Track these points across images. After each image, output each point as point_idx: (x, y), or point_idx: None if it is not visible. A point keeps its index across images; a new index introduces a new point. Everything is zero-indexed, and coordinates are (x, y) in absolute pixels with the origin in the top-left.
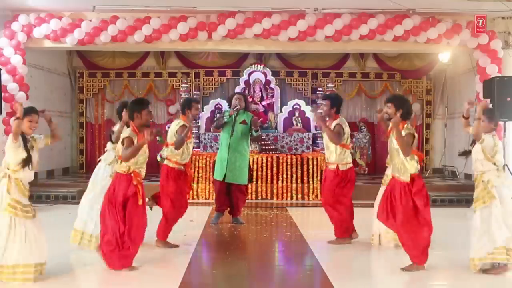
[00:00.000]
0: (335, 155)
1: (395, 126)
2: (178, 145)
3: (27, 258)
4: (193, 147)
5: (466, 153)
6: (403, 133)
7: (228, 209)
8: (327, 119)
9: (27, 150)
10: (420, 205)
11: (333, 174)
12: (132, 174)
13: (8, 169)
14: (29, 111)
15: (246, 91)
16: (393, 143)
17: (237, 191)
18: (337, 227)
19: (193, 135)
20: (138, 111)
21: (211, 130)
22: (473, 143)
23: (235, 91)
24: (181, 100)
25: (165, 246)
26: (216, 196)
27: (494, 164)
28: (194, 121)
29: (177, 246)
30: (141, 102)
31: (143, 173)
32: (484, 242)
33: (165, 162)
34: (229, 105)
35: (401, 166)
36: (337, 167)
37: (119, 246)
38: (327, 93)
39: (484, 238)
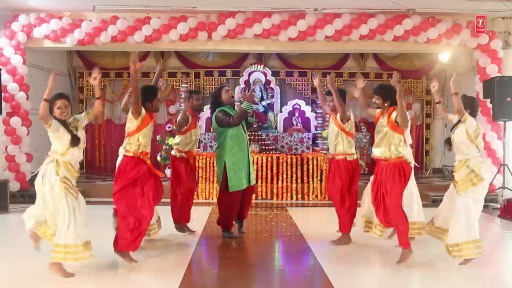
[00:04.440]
0: (343, 145)
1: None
2: (177, 128)
3: (76, 238)
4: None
5: (449, 141)
6: (394, 114)
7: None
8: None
9: (70, 131)
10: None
11: (342, 164)
12: (141, 156)
13: (56, 153)
14: (53, 98)
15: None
16: (383, 126)
17: (251, 192)
18: (342, 220)
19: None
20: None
21: (215, 127)
22: (454, 127)
23: (220, 87)
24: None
25: (182, 230)
26: (233, 211)
27: (477, 147)
28: (198, 111)
29: (193, 231)
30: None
31: (149, 150)
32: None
33: (172, 152)
34: (214, 102)
35: (387, 147)
36: (345, 157)
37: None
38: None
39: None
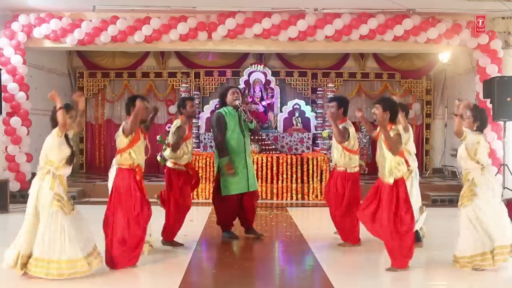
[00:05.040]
0: (344, 160)
1: (382, 126)
2: (175, 147)
3: (61, 254)
4: (193, 147)
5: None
6: (391, 133)
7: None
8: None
9: (70, 145)
10: (402, 211)
11: (342, 176)
12: (136, 169)
13: (51, 165)
14: (68, 107)
15: (246, 91)
16: (382, 146)
17: (253, 198)
18: (347, 233)
19: (193, 135)
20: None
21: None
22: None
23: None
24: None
25: (171, 245)
26: (229, 215)
27: (478, 162)
28: (193, 118)
29: (181, 244)
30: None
31: (143, 165)
32: (469, 243)
33: (167, 163)
34: (221, 101)
35: (389, 168)
36: (345, 169)
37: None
38: (332, 95)
39: (469, 238)
